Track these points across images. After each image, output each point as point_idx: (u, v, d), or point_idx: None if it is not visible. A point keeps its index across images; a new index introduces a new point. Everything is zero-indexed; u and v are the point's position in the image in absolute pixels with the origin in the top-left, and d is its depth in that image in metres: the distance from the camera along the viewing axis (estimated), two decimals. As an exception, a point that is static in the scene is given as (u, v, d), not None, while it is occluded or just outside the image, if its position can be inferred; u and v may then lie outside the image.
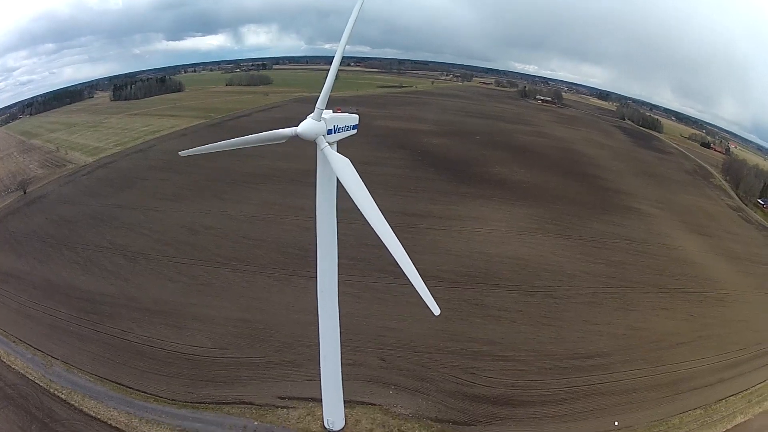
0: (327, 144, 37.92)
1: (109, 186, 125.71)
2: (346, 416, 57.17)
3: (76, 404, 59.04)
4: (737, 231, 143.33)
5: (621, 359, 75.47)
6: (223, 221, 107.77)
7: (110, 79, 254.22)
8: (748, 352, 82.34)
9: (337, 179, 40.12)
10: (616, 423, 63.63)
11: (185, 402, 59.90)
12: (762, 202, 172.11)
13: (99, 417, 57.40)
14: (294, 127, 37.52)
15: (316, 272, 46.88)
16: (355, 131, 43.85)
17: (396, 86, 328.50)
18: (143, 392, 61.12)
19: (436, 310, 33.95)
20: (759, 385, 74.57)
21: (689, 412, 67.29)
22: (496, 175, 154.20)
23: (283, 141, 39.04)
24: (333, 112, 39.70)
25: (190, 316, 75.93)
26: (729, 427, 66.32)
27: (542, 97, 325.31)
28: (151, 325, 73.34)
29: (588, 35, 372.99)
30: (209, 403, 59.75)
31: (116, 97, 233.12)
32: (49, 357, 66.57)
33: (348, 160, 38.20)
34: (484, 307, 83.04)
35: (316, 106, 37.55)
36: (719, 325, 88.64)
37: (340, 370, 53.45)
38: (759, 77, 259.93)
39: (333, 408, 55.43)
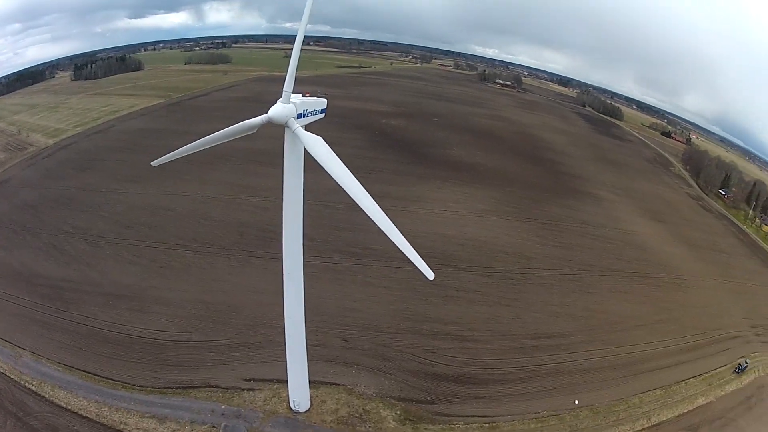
0: (298, 125, 37.80)
1: (70, 168, 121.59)
2: (311, 397, 57.25)
3: (47, 396, 57.32)
4: (696, 219, 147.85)
5: (580, 340, 77.01)
6: (183, 202, 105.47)
7: (72, 58, 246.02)
8: (706, 336, 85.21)
9: (304, 161, 40.66)
10: (576, 401, 64.70)
11: (153, 388, 58.80)
12: (723, 193, 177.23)
13: (70, 408, 55.83)
14: (263, 115, 37.40)
15: (282, 254, 46.41)
16: (323, 115, 44.04)
17: (355, 66, 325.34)
18: (111, 379, 59.63)
19: (431, 275, 34.47)
20: (719, 369, 77.12)
21: (649, 392, 68.92)
22: (454, 158, 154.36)
23: (254, 131, 38.76)
24: (302, 96, 39.81)
25: (151, 299, 74.21)
26: (690, 408, 68.23)
27: (502, 81, 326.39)
28: (114, 310, 71.39)
29: (552, 22, 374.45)
30: (176, 388, 58.83)
31: (77, 77, 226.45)
32: (18, 348, 64.17)
33: (321, 138, 37.89)
34: (443, 287, 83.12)
35: (284, 89, 37.46)
36: (677, 309, 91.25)
37: (306, 352, 53.23)
38: (724, 71, 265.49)
39: (299, 389, 55.38)
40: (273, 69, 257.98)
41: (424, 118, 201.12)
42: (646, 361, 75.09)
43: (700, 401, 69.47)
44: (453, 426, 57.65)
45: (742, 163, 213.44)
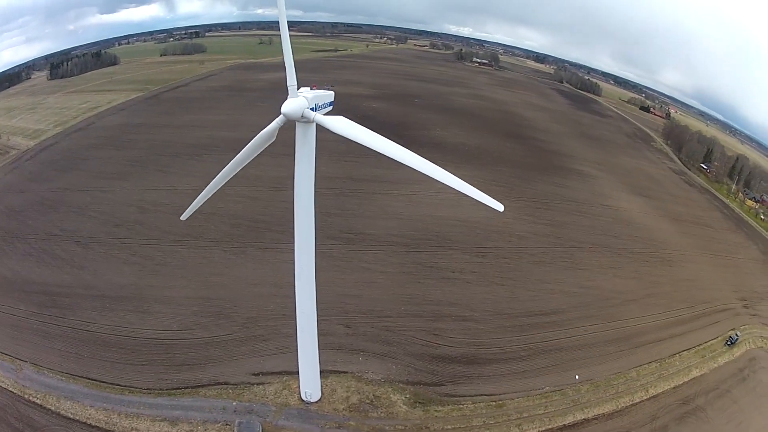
0: (316, 114, 37.93)
1: (53, 169, 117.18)
2: (321, 386, 57.45)
3: (53, 407, 55.43)
4: (680, 194, 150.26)
5: (575, 316, 78.73)
6: (171, 196, 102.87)
7: (47, 57, 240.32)
8: (695, 310, 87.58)
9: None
10: (577, 377, 66.43)
11: (161, 390, 57.71)
12: (705, 167, 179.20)
13: (77, 418, 54.37)
14: (276, 118, 37.65)
15: (293, 248, 47.09)
16: (331, 107, 43.84)
17: (331, 50, 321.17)
18: (117, 385, 58.16)
19: (500, 207, 34.25)
20: (710, 342, 79.48)
21: (645, 365, 71.13)
22: (437, 138, 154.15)
23: (274, 138, 39.04)
24: (311, 89, 39.89)
25: (150, 299, 72.62)
26: (685, 380, 70.36)
27: (479, 60, 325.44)
28: (113, 313, 69.45)
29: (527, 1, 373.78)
30: (185, 388, 57.86)
31: (53, 76, 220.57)
32: (18, 360, 61.73)
33: (342, 117, 38.10)
34: (439, 269, 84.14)
35: (288, 84, 37.48)
36: (667, 283, 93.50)
37: (317, 345, 53.40)
38: (702, 45, 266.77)
39: (310, 380, 55.44)
40: (248, 56, 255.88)
41: (405, 99, 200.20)
42: (640, 335, 77.13)
43: (695, 373, 71.64)
44: (462, 406, 58.76)
45: (723, 137, 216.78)
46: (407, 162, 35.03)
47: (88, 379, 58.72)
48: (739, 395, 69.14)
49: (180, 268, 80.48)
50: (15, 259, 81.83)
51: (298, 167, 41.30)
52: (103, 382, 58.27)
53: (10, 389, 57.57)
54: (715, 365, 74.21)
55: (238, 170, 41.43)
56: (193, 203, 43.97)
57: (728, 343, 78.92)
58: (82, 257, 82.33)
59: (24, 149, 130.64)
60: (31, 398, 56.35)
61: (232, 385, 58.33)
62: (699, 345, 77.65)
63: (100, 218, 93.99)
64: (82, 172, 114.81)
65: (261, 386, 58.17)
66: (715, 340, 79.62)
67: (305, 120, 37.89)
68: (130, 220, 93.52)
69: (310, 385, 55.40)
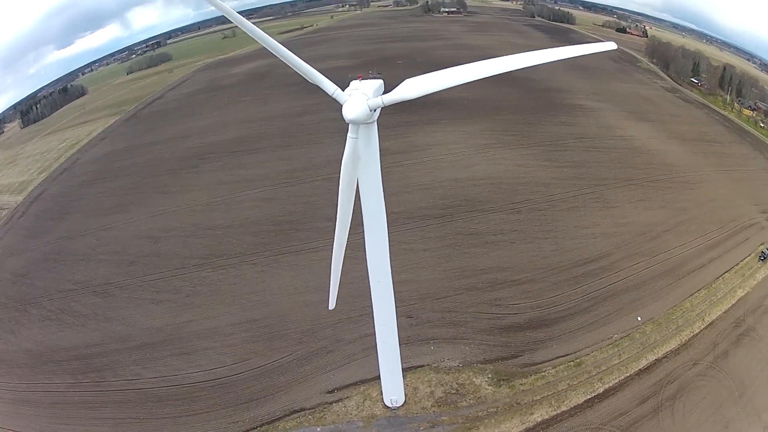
0: (383, 97, 33.12)
1: (49, 219, 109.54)
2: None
3: None
4: (679, 112, 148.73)
5: (620, 257, 78.60)
6: (179, 217, 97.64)
7: (15, 107, 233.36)
8: (725, 230, 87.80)
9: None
10: (639, 318, 67.00)
11: None
12: (696, 81, 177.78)
13: None
14: (348, 134, 33.33)
15: (366, 255, 44.40)
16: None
17: (297, 29, 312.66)
18: None
19: (612, 45, 34.00)
20: (746, 259, 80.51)
21: (695, 294, 71.96)
22: (434, 97, 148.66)
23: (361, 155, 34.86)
24: (358, 80, 35.32)
25: (192, 336, 67.50)
26: (733, 302, 71.62)
27: (447, 9, 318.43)
28: (157, 362, 64.28)
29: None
30: (261, 426, 54.35)
31: (26, 123, 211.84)
32: None
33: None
34: (480, 234, 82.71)
35: (330, 94, 33.10)
36: (693, 207, 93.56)
37: (398, 352, 51.32)
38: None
39: (394, 387, 53.41)
40: (216, 54, 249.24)
41: (388, 63, 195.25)
42: (683, 264, 77.68)
43: (740, 294, 72.98)
44: (544, 373, 58.34)
45: (704, 48, 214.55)
46: (507, 68, 32.06)
47: (152, 443, 54.49)
48: (781, 309, 71.23)
49: (213, 294, 75.16)
50: (35, 329, 74.63)
51: (363, 173, 36.63)
52: (169, 443, 54.08)
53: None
54: (755, 282, 75.49)
55: (351, 212, 36.54)
56: (332, 285, 39.19)
57: (761, 258, 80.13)
58: (105, 308, 75.73)
59: (14, 206, 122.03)
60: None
61: (309, 409, 55.07)
62: (737, 264, 78.65)
63: (111, 260, 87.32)
64: (80, 215, 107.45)
65: (340, 403, 55.39)
66: (749, 258, 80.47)
67: (370, 120, 33.96)
68: (144, 254, 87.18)
69: (394, 391, 53.34)
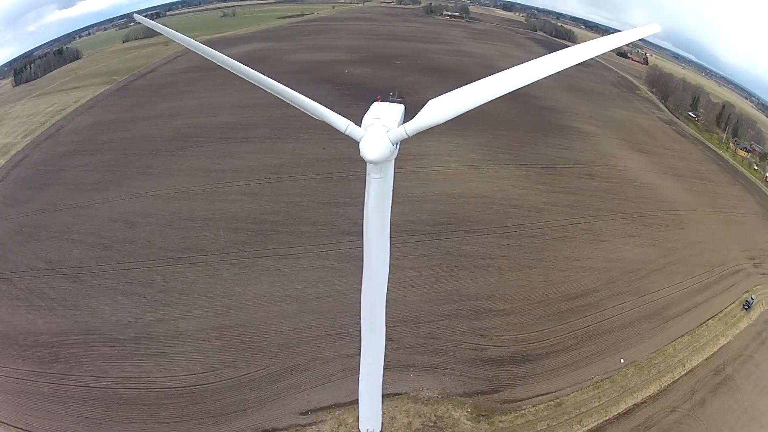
0: (405, 126, 28.21)
1: (27, 188, 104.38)
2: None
3: None
4: (675, 146, 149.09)
5: (608, 294, 77.98)
6: (158, 204, 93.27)
7: (10, 64, 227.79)
8: (713, 274, 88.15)
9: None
10: (622, 360, 66.48)
11: None
12: (693, 115, 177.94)
13: None
14: (370, 174, 29.70)
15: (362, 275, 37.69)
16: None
17: (298, 15, 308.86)
18: None
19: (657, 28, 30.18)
20: (729, 307, 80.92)
21: (678, 339, 71.97)
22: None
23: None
24: (377, 103, 30.62)
25: (161, 337, 64.00)
26: (715, 350, 71.88)
27: (450, 13, 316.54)
28: (125, 360, 60.93)
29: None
30: None
31: (18, 82, 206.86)
32: None
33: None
34: (468, 257, 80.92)
35: (344, 131, 28.58)
36: (682, 248, 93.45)
37: (381, 379, 46.92)
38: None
39: (371, 416, 49.38)
40: (213, 32, 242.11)
41: (386, 61, 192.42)
42: (669, 307, 77.52)
43: (722, 342, 73.31)
44: (523, 411, 57.16)
45: (702, 81, 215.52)
46: (536, 77, 27.17)
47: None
48: (760, 359, 71.35)
49: (186, 293, 71.39)
50: (3, 307, 70.86)
51: (376, 214, 32.71)
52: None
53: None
54: (737, 331, 75.97)
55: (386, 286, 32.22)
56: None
57: (745, 306, 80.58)
58: (74, 294, 71.91)
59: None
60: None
61: (281, 430, 52.75)
62: (721, 311, 78.89)
63: (85, 241, 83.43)
64: (59, 187, 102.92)
65: (314, 426, 53.04)
66: (733, 305, 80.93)
67: (394, 156, 29.74)
68: (119, 239, 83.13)
69: (371, 420, 49.60)
